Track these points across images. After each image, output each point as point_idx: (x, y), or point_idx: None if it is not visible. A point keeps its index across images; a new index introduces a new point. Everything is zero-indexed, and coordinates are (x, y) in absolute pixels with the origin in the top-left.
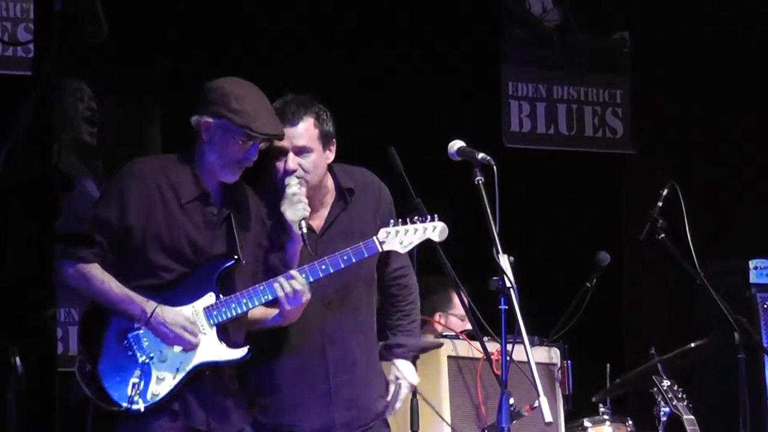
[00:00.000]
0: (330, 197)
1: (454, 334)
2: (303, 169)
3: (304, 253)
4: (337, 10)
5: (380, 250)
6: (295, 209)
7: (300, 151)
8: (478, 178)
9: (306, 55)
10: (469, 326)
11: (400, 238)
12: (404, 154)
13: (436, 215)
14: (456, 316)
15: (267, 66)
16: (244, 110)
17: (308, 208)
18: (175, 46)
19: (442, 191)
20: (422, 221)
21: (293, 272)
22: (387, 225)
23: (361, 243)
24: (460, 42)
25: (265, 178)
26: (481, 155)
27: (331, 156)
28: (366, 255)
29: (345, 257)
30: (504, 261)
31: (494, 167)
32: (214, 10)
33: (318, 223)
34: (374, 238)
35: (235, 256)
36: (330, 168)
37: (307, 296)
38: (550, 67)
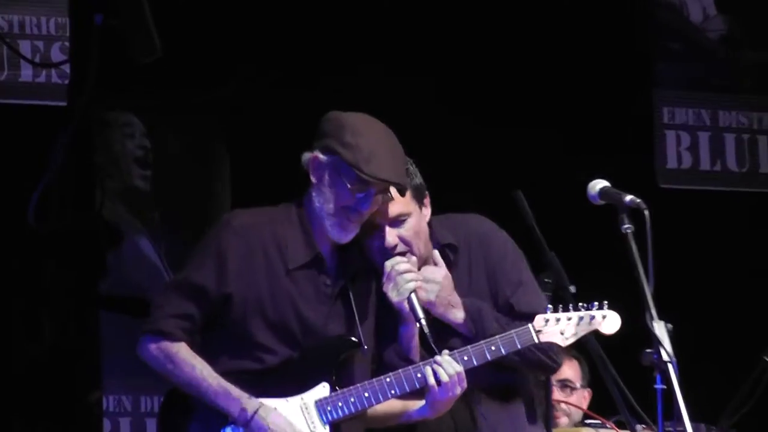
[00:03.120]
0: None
1: (599, 421)
2: (404, 241)
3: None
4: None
5: (537, 341)
6: (401, 288)
7: (395, 221)
8: (626, 227)
9: (414, 85)
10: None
11: (561, 327)
12: (534, 199)
13: (605, 302)
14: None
15: (364, 94)
16: (358, 145)
17: (419, 280)
18: (244, 65)
19: (582, 243)
20: (587, 308)
21: (446, 356)
22: (506, 283)
23: (512, 331)
24: (602, 61)
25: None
26: (629, 198)
27: (427, 212)
28: (519, 346)
29: (493, 348)
30: (660, 329)
31: (646, 213)
32: (291, 19)
33: (420, 294)
34: (530, 326)
35: (354, 340)
36: (428, 223)
37: (463, 385)
38: (714, 89)
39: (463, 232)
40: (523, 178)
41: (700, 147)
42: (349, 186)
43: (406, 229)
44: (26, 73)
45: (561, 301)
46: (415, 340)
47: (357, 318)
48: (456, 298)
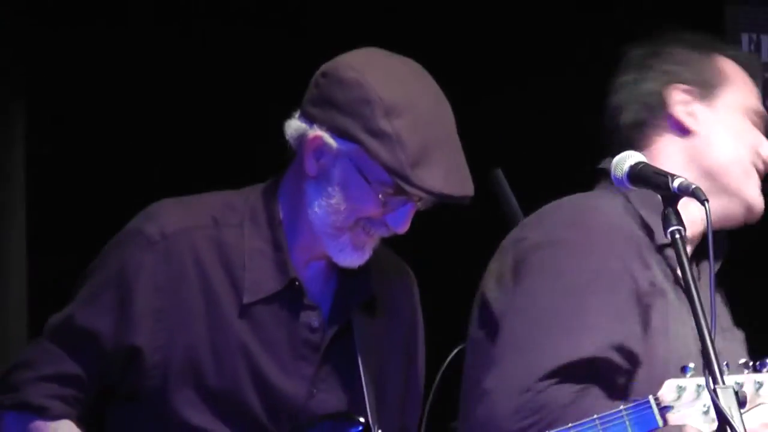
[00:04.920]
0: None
1: None
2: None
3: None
4: None
5: (660, 424)
6: None
7: None
8: (673, 228)
9: None
10: None
11: (705, 400)
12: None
13: None
14: None
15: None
16: (398, 136)
17: None
18: None
19: None
20: (757, 367)
21: None
22: None
23: (622, 407)
24: None
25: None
26: (679, 182)
27: None
28: None
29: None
30: (726, 396)
31: (707, 205)
32: None
33: None
34: (650, 399)
35: (359, 419)
36: None
37: None
38: None
39: None
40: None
41: None
42: (379, 194)
43: None
44: None
45: None
46: None
47: (364, 381)
48: None
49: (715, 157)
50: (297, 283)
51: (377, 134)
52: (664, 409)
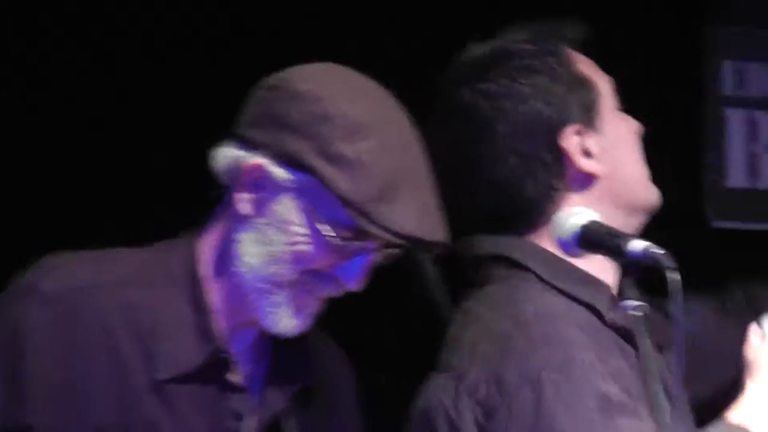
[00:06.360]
0: None
1: None
2: None
3: None
4: None
5: None
6: None
7: None
8: (633, 306)
9: None
10: None
11: None
12: None
13: None
14: None
15: None
16: (364, 164)
17: None
18: None
19: None
20: None
21: None
22: None
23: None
24: None
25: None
26: (639, 247)
27: None
28: None
29: None
30: None
31: (672, 277)
32: None
33: None
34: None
35: None
36: None
37: None
38: None
39: None
40: None
41: None
42: (334, 237)
43: None
44: None
45: None
46: None
47: None
48: None
49: (625, 190)
50: (222, 355)
51: (335, 159)
52: None
